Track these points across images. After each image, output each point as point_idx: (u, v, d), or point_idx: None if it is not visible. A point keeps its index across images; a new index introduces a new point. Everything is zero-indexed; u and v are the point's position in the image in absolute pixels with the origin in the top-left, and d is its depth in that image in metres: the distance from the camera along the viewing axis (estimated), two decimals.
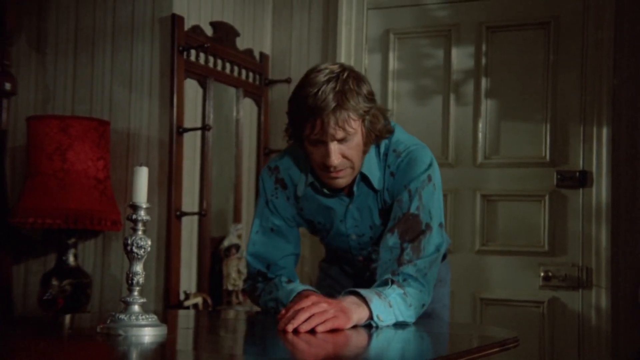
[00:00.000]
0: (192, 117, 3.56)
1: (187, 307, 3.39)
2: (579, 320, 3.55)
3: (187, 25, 3.52)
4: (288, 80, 4.03)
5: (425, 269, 2.06)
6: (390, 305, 1.97)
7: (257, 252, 2.26)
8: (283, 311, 1.91)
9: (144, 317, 1.72)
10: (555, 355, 3.59)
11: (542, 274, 3.62)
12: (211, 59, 3.68)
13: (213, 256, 3.68)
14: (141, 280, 1.75)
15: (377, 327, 1.94)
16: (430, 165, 2.14)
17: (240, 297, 3.65)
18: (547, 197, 3.64)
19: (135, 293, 1.74)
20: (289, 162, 2.24)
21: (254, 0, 4.03)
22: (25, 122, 3.38)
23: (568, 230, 3.59)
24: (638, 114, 3.51)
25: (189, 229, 3.53)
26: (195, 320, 2.40)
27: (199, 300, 3.45)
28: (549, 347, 3.60)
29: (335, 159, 2.04)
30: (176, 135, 3.41)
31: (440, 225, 2.13)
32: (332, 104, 1.99)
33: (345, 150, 2.05)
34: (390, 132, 2.17)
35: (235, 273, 3.63)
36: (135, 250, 1.75)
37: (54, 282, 3.27)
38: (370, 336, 1.87)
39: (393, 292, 1.99)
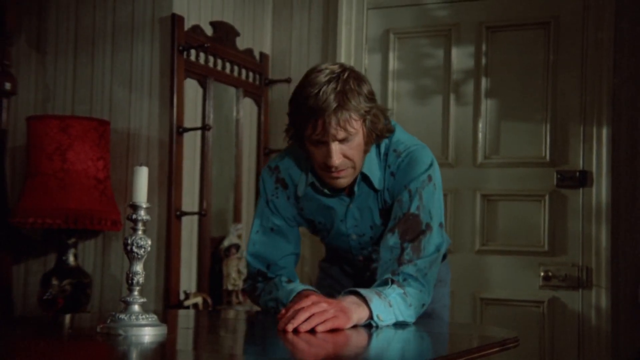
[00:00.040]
0: (192, 117, 3.56)
1: (187, 307, 3.39)
2: (579, 320, 3.55)
3: (187, 25, 3.52)
4: (288, 80, 4.03)
5: (425, 269, 2.06)
6: (390, 305, 1.97)
7: (257, 251, 2.26)
8: (283, 311, 1.91)
9: (144, 317, 1.72)
10: (555, 355, 3.59)
11: (542, 274, 3.62)
12: (211, 58, 3.68)
13: (213, 256, 3.68)
14: (141, 280, 1.75)
15: (377, 327, 1.94)
16: (430, 165, 2.14)
17: (240, 297, 3.65)
18: (547, 197, 3.64)
19: (135, 293, 1.74)
20: (290, 162, 2.24)
21: (254, 0, 4.03)
22: (25, 122, 3.38)
23: (568, 230, 3.59)
24: (638, 114, 3.51)
25: (189, 229, 3.53)
26: (195, 320, 2.40)
27: (199, 300, 3.45)
28: (549, 347, 3.60)
29: (337, 159, 2.04)
30: (176, 135, 3.41)
31: (441, 225, 2.13)
32: (334, 105, 1.99)
33: (347, 150, 2.05)
34: (391, 131, 2.17)
35: (235, 273, 3.63)
36: (135, 250, 1.75)
37: (54, 282, 3.27)
38: (370, 336, 1.87)
39: (393, 292, 1.99)
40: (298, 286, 2.15)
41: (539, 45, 3.69)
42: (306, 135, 2.05)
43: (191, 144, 3.55)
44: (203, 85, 3.64)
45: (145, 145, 3.46)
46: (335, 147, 2.03)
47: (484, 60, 3.79)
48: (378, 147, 2.17)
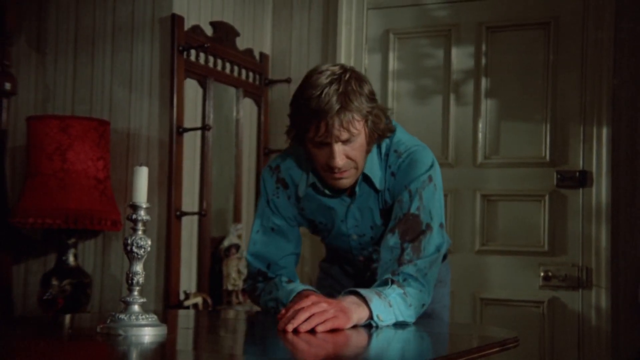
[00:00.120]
0: (192, 117, 3.56)
1: (187, 307, 3.39)
2: (579, 320, 3.55)
3: (187, 25, 3.52)
4: (288, 80, 4.03)
5: (425, 269, 2.06)
6: (390, 305, 1.97)
7: (258, 251, 2.26)
8: (283, 311, 1.91)
9: (144, 317, 1.72)
10: (555, 355, 3.59)
11: (542, 274, 3.62)
12: (211, 59, 3.68)
13: (213, 256, 3.68)
14: (141, 280, 1.75)
15: (377, 327, 1.94)
16: (431, 166, 2.14)
17: (240, 297, 3.65)
18: (547, 197, 3.64)
19: (135, 293, 1.74)
20: (290, 162, 2.24)
21: (254, 0, 4.03)
22: (25, 122, 3.38)
23: (568, 230, 3.59)
24: (638, 114, 3.51)
25: (189, 229, 3.53)
26: (195, 320, 2.40)
27: (199, 300, 3.45)
28: (549, 347, 3.60)
29: (340, 160, 2.04)
30: (176, 135, 3.41)
31: (441, 225, 2.13)
32: (336, 106, 1.99)
33: (349, 151, 2.06)
34: (392, 130, 2.17)
35: (235, 273, 3.63)
36: (135, 250, 1.75)
37: (54, 282, 3.27)
38: (370, 336, 1.87)
39: (393, 292, 1.99)
40: (298, 286, 2.15)
41: (539, 45, 3.69)
42: (308, 137, 2.05)
43: (191, 144, 3.55)
44: (203, 85, 3.64)
45: (145, 145, 3.46)
46: (338, 148, 2.03)
47: (484, 60, 3.79)
48: (379, 147, 2.17)
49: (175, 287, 3.40)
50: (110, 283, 3.47)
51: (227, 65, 3.80)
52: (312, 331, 1.81)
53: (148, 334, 1.70)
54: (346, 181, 2.12)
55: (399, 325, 1.98)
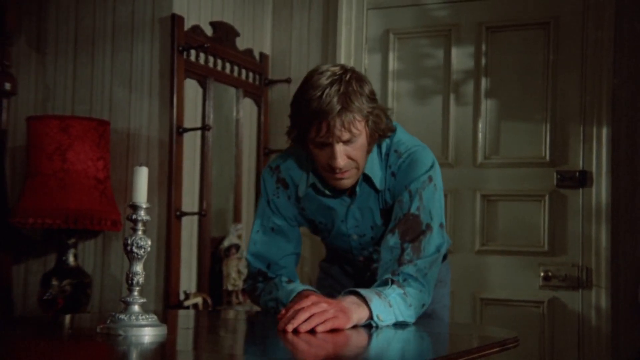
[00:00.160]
0: (192, 117, 3.56)
1: (187, 307, 3.39)
2: (579, 320, 3.55)
3: (187, 25, 3.52)
4: (288, 80, 4.03)
5: (425, 269, 2.06)
6: (390, 305, 1.97)
7: (258, 251, 2.26)
8: (283, 311, 1.91)
9: (144, 317, 1.72)
10: (555, 355, 3.59)
11: (542, 274, 3.62)
12: (211, 59, 3.68)
13: (213, 256, 3.67)
14: (141, 280, 1.75)
15: (377, 327, 1.94)
16: (431, 166, 2.15)
17: (240, 297, 3.65)
18: (547, 197, 3.64)
19: (135, 293, 1.74)
20: (291, 163, 2.24)
21: (254, 0, 4.03)
22: (25, 122, 3.38)
23: (568, 230, 3.59)
24: (638, 114, 3.51)
25: (189, 229, 3.53)
26: (195, 320, 2.40)
27: (199, 300, 3.45)
28: (549, 347, 3.60)
29: (341, 160, 2.05)
30: (176, 135, 3.41)
31: (441, 225, 2.13)
32: (338, 107, 1.99)
33: (351, 151, 2.06)
34: (392, 130, 2.17)
35: (235, 273, 3.63)
36: (135, 250, 1.75)
37: (54, 282, 3.27)
38: (370, 336, 1.87)
39: (393, 292, 1.99)
40: (298, 286, 2.15)
41: (539, 45, 3.69)
42: (310, 137, 2.05)
43: (191, 144, 3.55)
44: (203, 85, 3.64)
45: (145, 145, 3.46)
46: (339, 148, 2.04)
47: (484, 61, 3.79)
48: (379, 147, 2.17)
49: (175, 287, 3.40)
50: (110, 283, 3.47)
51: (227, 65, 3.80)
52: (312, 331, 1.81)
53: (148, 334, 1.70)
54: (347, 181, 2.12)
55: (399, 325, 1.98)
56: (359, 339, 1.84)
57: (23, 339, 1.80)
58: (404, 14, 3.95)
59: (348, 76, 2.03)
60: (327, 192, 2.19)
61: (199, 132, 3.60)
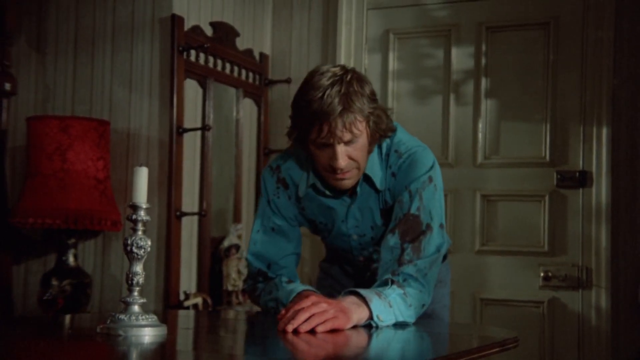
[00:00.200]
0: (192, 117, 3.56)
1: (187, 307, 3.39)
2: (579, 320, 3.55)
3: (187, 26, 3.52)
4: (288, 81, 4.03)
5: (425, 269, 2.06)
6: (390, 305, 1.97)
7: (258, 251, 2.26)
8: (283, 311, 1.91)
9: (144, 317, 1.72)
10: (555, 355, 3.59)
11: (542, 274, 3.62)
12: (211, 59, 3.68)
13: (213, 256, 3.67)
14: (141, 280, 1.75)
15: (377, 327, 1.94)
16: (432, 167, 2.15)
17: (240, 297, 3.65)
18: (547, 197, 3.64)
19: (135, 293, 1.74)
20: (291, 163, 2.24)
21: (254, 0, 4.03)
22: (25, 122, 3.38)
23: (568, 230, 3.59)
24: (638, 114, 3.51)
25: (189, 229, 3.53)
26: (195, 321, 2.40)
27: (199, 300, 3.45)
28: (549, 347, 3.60)
29: (343, 161, 2.05)
30: (176, 135, 3.41)
31: (441, 226, 2.13)
32: (339, 108, 1.99)
33: (352, 152, 2.06)
34: (393, 130, 2.17)
35: (235, 273, 3.63)
36: (135, 250, 1.75)
37: (54, 282, 3.27)
38: (370, 336, 1.87)
39: (393, 292, 1.99)
40: (298, 286, 2.15)
41: (539, 45, 3.69)
42: (311, 138, 2.05)
43: (191, 144, 3.55)
44: (203, 85, 3.64)
45: (145, 145, 3.46)
46: (340, 149, 2.04)
47: (483, 61, 3.79)
48: (379, 147, 2.17)
49: (175, 287, 3.40)
50: (110, 283, 3.47)
51: (227, 65, 3.80)
52: (312, 331, 1.81)
53: (148, 334, 1.70)
54: (348, 182, 2.12)
55: (399, 325, 1.98)
56: (359, 339, 1.84)
57: (23, 339, 1.80)
58: (404, 14, 3.95)
59: (349, 77, 2.03)
60: (327, 192, 2.19)
61: (199, 132, 3.60)
